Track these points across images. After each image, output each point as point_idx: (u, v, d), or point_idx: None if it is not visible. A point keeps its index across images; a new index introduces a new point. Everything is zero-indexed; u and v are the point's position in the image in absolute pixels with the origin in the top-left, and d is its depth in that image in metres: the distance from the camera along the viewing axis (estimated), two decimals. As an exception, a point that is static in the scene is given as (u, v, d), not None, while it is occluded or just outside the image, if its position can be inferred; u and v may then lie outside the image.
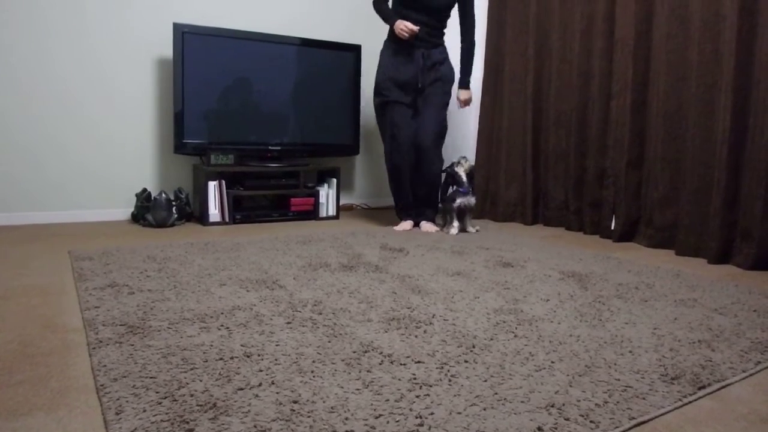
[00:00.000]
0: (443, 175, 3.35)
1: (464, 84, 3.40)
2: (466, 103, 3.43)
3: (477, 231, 3.31)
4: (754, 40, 2.48)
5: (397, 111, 3.27)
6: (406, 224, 3.38)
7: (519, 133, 3.75)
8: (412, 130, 3.28)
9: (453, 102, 3.42)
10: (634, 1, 2.97)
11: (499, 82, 3.84)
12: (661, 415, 1.12)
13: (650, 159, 2.98)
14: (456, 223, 3.22)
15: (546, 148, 3.65)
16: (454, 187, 3.28)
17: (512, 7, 3.71)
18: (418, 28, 3.13)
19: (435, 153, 3.29)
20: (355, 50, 3.88)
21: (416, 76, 3.25)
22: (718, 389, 1.24)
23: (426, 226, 3.34)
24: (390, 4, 3.30)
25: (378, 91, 3.33)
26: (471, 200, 3.25)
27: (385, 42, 3.35)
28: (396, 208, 3.48)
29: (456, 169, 3.25)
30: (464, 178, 3.22)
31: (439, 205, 3.42)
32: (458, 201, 3.21)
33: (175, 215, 3.31)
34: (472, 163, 3.30)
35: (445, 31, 3.34)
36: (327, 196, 3.77)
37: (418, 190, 3.36)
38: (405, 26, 3.10)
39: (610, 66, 3.17)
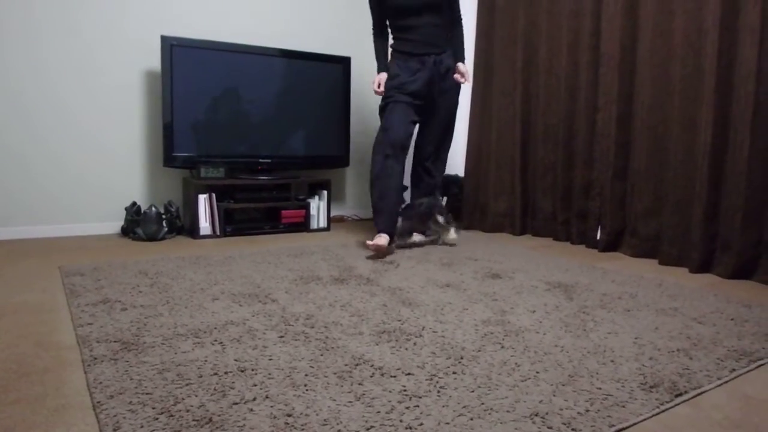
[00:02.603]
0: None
1: (459, 59, 3.23)
2: (466, 75, 3.20)
3: (430, 241, 3.25)
4: (735, 56, 2.55)
5: (398, 108, 3.06)
6: (380, 239, 2.87)
7: (508, 145, 3.81)
8: (406, 133, 3.05)
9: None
10: (620, 15, 3.04)
11: (487, 95, 3.91)
12: (640, 422, 1.16)
13: (635, 171, 3.04)
14: (415, 236, 3.15)
15: (534, 160, 3.71)
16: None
17: (500, 22, 3.77)
18: (381, 90, 3.12)
19: (436, 167, 3.30)
20: (344, 62, 3.93)
21: (429, 86, 3.12)
22: (695, 396, 1.29)
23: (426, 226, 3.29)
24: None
25: (387, 94, 3.13)
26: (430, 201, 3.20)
27: (392, 52, 3.22)
28: (375, 219, 3.02)
29: None
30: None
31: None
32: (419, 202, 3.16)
33: (166, 229, 3.33)
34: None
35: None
36: (318, 208, 3.81)
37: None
38: (376, 84, 3.14)
39: (596, 79, 3.24)
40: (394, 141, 3.00)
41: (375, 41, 3.26)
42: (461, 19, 3.27)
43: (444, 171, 3.37)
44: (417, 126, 3.26)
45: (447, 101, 3.22)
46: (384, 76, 3.14)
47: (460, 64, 3.20)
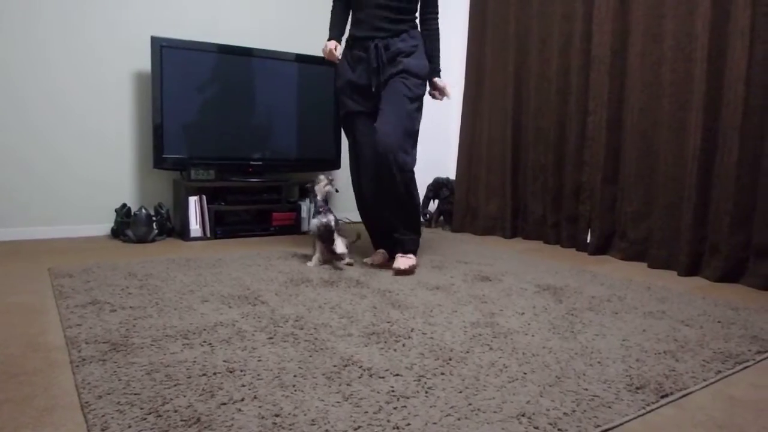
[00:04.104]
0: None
1: (435, 73, 2.73)
2: (444, 91, 2.74)
3: (349, 264, 2.71)
4: (725, 60, 2.58)
5: (360, 124, 2.67)
6: (377, 256, 2.78)
7: (499, 148, 3.83)
8: None
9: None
10: (611, 19, 3.06)
11: (479, 98, 3.93)
12: (625, 422, 1.17)
13: (625, 175, 3.06)
14: (317, 254, 2.69)
15: (525, 164, 3.73)
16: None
17: (492, 25, 3.80)
18: (338, 56, 2.66)
19: (397, 160, 2.46)
20: (336, 64, 3.92)
21: (371, 78, 2.59)
22: (680, 398, 1.30)
23: (400, 260, 2.56)
24: None
25: (339, 100, 2.77)
26: (329, 218, 2.65)
27: (346, 39, 2.77)
28: (371, 237, 2.91)
29: (314, 186, 2.74)
30: (318, 195, 2.70)
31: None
32: (314, 222, 2.67)
33: (156, 231, 3.32)
34: (328, 181, 2.72)
35: (415, 15, 2.69)
36: (308, 210, 3.80)
37: (383, 211, 2.66)
38: (326, 50, 2.65)
39: (587, 83, 3.26)
40: (370, 161, 2.63)
41: (332, 8, 2.81)
42: (436, 19, 2.73)
43: (410, 169, 2.59)
44: None
45: (397, 86, 2.54)
46: (332, 44, 2.66)
47: (436, 79, 2.72)
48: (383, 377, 1.36)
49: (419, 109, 2.61)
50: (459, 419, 1.16)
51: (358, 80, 2.64)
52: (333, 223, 2.66)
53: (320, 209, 2.69)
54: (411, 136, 2.55)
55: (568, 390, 1.31)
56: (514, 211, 3.78)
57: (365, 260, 2.78)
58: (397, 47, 2.58)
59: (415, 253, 2.67)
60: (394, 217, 2.63)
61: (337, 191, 2.82)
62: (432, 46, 2.72)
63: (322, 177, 2.73)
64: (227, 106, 3.59)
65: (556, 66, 3.44)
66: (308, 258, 2.78)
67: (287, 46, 3.99)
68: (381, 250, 2.83)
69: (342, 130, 2.85)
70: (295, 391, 1.27)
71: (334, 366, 1.42)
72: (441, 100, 2.81)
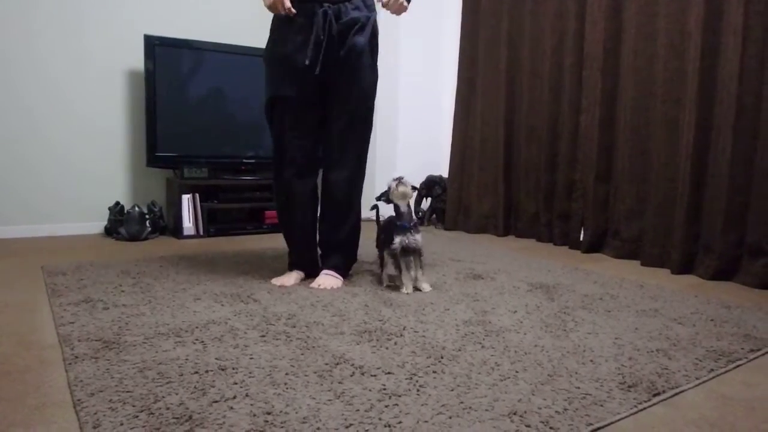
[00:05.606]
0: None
1: None
2: (395, 7, 2.08)
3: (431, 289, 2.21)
4: (717, 58, 2.58)
5: (290, 114, 2.16)
6: (289, 277, 2.26)
7: (492, 146, 3.83)
8: (311, 143, 2.21)
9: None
10: (603, 17, 3.07)
11: (472, 96, 3.93)
12: (617, 421, 1.17)
13: (618, 173, 3.07)
14: (405, 275, 2.18)
15: (518, 162, 3.73)
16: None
17: (484, 23, 3.80)
18: (291, 7, 2.03)
19: (348, 180, 2.24)
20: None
21: (312, 54, 2.05)
22: (672, 396, 1.30)
23: (323, 279, 2.22)
24: None
25: (267, 81, 2.20)
26: (416, 238, 2.16)
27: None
28: (289, 246, 2.37)
29: (392, 197, 2.18)
30: (403, 207, 2.18)
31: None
32: (398, 240, 2.15)
33: (149, 229, 3.31)
34: (410, 186, 2.19)
35: None
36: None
37: (323, 227, 2.31)
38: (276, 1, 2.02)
39: (579, 81, 3.26)
40: (296, 160, 2.21)
41: None
42: None
43: (358, 206, 2.30)
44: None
45: (353, 84, 2.15)
46: None
47: None
48: (375, 375, 1.36)
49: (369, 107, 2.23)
50: (450, 417, 1.16)
51: (297, 55, 2.08)
52: (420, 244, 2.19)
53: (403, 223, 2.17)
54: (359, 157, 2.26)
55: (560, 388, 1.31)
56: (506, 209, 3.78)
57: (272, 281, 2.27)
58: (350, 17, 2.09)
59: (343, 275, 2.29)
60: (329, 234, 2.30)
61: (414, 189, 2.27)
62: None
63: (391, 182, 2.19)
64: (220, 104, 3.58)
65: (549, 64, 3.44)
66: (393, 284, 2.26)
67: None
68: (297, 272, 2.32)
69: (266, 120, 2.25)
70: (287, 389, 1.27)
71: (326, 364, 1.42)
72: (383, 7, 2.10)
